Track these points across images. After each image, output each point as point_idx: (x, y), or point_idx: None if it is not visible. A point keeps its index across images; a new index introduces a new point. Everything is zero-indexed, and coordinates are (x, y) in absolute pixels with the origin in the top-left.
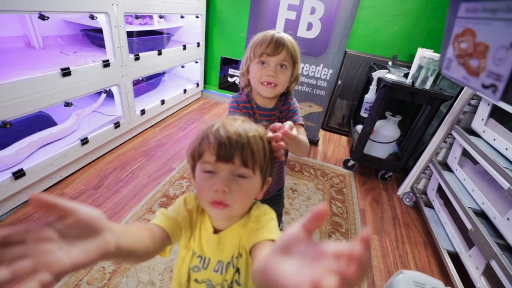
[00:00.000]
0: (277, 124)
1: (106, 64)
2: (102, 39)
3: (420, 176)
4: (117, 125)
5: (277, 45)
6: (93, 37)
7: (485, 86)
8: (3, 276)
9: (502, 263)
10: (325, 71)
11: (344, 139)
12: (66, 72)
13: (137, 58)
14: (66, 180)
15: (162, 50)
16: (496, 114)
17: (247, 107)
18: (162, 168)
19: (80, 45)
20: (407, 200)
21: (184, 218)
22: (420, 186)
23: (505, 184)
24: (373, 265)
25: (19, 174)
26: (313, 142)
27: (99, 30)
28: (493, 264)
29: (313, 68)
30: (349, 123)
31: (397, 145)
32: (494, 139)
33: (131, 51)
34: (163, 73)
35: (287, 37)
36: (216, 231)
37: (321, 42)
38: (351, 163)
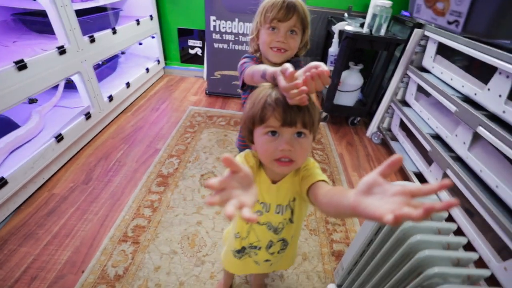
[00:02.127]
0: (287, 65)
1: (61, 51)
2: (41, 23)
3: (384, 115)
4: (88, 116)
5: (288, 10)
6: (30, 22)
7: (449, 22)
8: (232, 210)
9: (455, 170)
10: None
11: (313, 95)
12: (21, 65)
13: (92, 40)
14: (50, 182)
15: (116, 28)
16: (442, 51)
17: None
18: (147, 151)
19: (15, 33)
20: (376, 138)
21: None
22: (385, 124)
23: (452, 108)
24: None
25: (1, 183)
26: None
27: (36, 13)
28: (449, 172)
29: None
30: None
31: (360, 92)
32: (442, 73)
33: (83, 33)
34: (123, 53)
35: (298, 2)
36: (273, 181)
37: None
38: (323, 115)
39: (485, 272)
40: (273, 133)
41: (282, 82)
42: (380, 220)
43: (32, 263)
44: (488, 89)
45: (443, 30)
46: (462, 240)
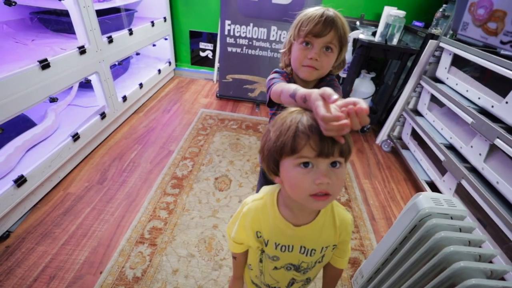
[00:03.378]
0: (329, 90)
1: (82, 51)
2: (59, 22)
3: (395, 124)
4: (103, 115)
5: (326, 25)
6: (48, 21)
7: (503, 42)
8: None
9: (470, 180)
10: None
11: None
12: (45, 64)
13: (110, 40)
14: (65, 181)
15: (133, 29)
16: (457, 62)
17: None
18: (160, 152)
19: (32, 31)
20: (386, 146)
21: (247, 238)
22: (395, 133)
23: (468, 119)
24: (370, 203)
25: (20, 181)
26: None
27: (54, 13)
28: (464, 182)
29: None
30: None
31: (371, 100)
32: (457, 84)
33: (102, 33)
34: (138, 54)
35: (338, 17)
36: (295, 224)
37: (296, 8)
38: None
39: None
40: (306, 164)
41: (321, 109)
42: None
43: (50, 262)
44: (506, 102)
45: (492, 48)
46: (494, 252)
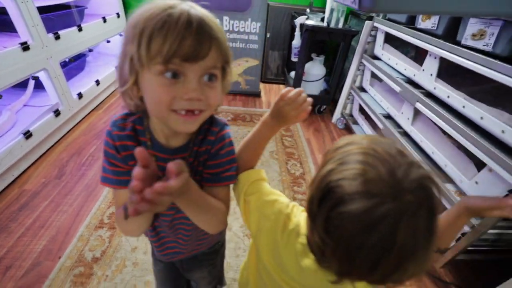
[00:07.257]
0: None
1: (25, 47)
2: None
3: (346, 102)
4: (57, 113)
5: (201, 37)
6: None
7: (352, 2)
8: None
9: (403, 144)
10: (254, 25)
11: (282, 87)
12: None
13: (57, 37)
14: (20, 178)
15: (82, 26)
16: (390, 40)
17: (129, 147)
18: None
19: None
20: (340, 124)
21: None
22: (347, 110)
23: (397, 89)
24: None
25: None
26: (256, 94)
27: None
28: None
29: (242, 24)
30: (284, 71)
31: (325, 82)
32: (389, 59)
33: (48, 30)
34: (90, 50)
35: (208, 18)
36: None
37: None
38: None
39: None
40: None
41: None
42: None
43: (6, 254)
44: (423, 70)
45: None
46: None
